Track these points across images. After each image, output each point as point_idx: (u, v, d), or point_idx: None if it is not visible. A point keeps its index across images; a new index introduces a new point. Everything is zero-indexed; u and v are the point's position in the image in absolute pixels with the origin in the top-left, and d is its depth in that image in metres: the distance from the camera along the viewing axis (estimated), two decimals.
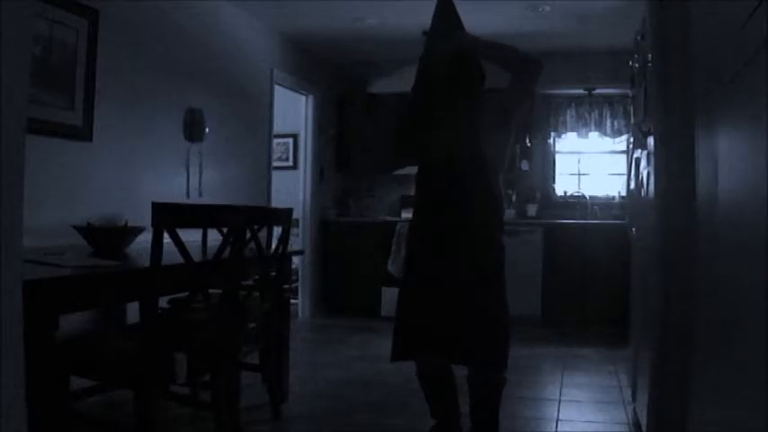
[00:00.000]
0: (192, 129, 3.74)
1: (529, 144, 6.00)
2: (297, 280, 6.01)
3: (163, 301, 2.69)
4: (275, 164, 5.49)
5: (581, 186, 6.10)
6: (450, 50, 2.34)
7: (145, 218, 2.22)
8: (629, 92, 3.54)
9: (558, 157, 6.20)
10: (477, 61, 2.40)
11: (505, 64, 2.37)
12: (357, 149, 6.33)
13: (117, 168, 3.45)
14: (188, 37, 4.10)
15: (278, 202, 4.92)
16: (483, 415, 2.40)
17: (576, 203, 6.00)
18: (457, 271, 2.29)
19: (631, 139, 3.67)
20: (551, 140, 6.13)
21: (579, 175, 6.15)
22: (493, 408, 2.40)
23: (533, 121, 5.93)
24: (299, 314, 5.89)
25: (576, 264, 5.36)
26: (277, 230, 3.13)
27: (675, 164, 2.21)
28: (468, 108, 2.37)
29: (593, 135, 5.95)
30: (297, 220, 5.51)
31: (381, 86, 6.25)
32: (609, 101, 5.86)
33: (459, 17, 2.45)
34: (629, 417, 2.98)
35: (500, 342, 2.29)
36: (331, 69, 6.34)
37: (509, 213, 5.59)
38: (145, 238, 2.33)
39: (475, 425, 2.41)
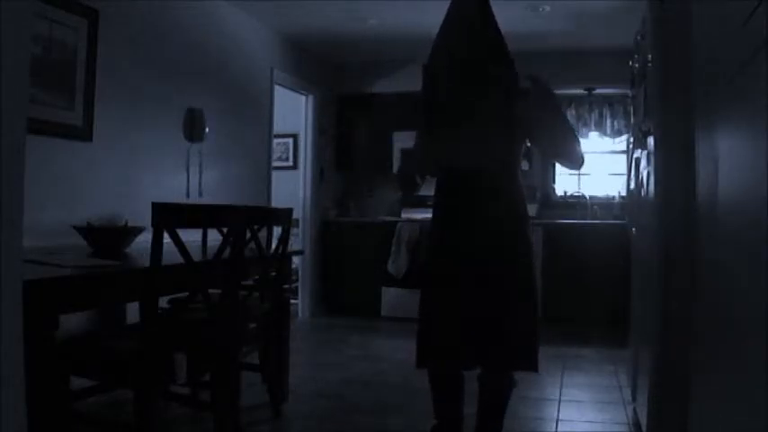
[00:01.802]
0: (192, 129, 3.74)
1: (529, 144, 5.98)
2: (297, 280, 6.01)
3: (163, 301, 2.69)
4: (275, 164, 5.50)
5: (581, 186, 6.10)
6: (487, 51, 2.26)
7: (145, 218, 2.22)
8: (629, 92, 3.54)
9: None
10: (508, 55, 2.32)
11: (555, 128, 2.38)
12: (357, 149, 6.33)
13: (117, 168, 3.45)
14: (188, 37, 4.10)
15: (278, 202, 4.92)
16: (491, 414, 2.40)
17: (576, 203, 6.00)
18: (489, 274, 2.25)
19: (631, 139, 3.66)
20: None
21: (579, 174, 6.14)
22: (502, 407, 2.41)
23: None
24: (299, 314, 5.89)
25: (576, 264, 5.35)
26: (277, 230, 3.13)
27: (675, 164, 2.21)
28: (497, 104, 2.31)
29: (594, 135, 5.95)
30: (297, 220, 5.51)
31: (381, 86, 6.26)
32: (609, 101, 5.86)
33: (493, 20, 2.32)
34: (629, 417, 2.98)
35: (534, 344, 2.28)
36: (331, 69, 6.34)
37: None
38: (145, 238, 2.33)
39: (481, 423, 2.41)
